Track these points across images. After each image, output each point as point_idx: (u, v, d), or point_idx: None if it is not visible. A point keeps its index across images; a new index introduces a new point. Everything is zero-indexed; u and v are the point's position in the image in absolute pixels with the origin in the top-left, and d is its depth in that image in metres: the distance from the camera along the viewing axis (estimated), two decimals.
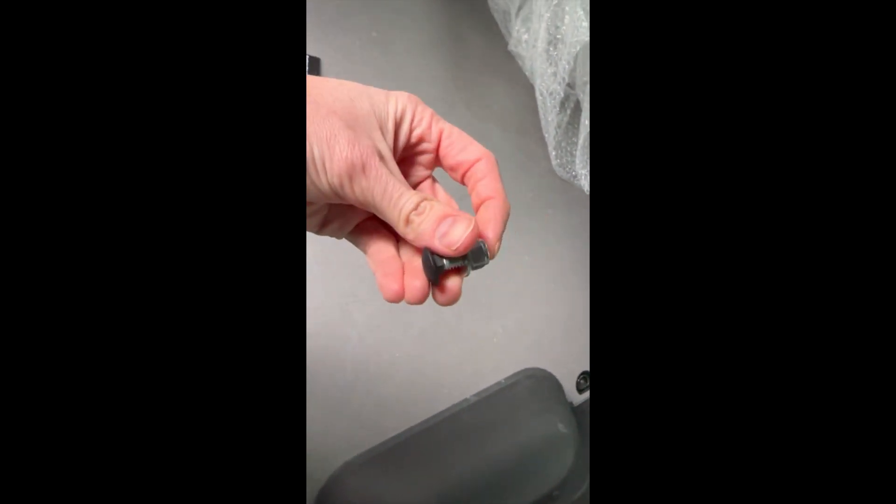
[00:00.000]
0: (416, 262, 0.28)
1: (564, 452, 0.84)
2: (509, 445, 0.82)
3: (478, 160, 0.29)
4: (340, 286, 0.86)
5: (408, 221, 0.26)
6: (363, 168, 0.24)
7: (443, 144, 0.29)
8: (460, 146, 0.29)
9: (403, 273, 0.28)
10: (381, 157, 0.25)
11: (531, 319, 1.03)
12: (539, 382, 0.95)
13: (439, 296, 0.28)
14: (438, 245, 0.26)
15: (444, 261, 0.26)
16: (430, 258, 0.26)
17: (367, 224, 0.30)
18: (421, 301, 0.28)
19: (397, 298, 0.28)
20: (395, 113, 0.27)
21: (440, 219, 0.26)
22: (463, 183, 0.30)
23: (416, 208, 0.26)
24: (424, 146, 0.29)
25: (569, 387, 0.99)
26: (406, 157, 0.30)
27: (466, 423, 0.83)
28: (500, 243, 0.28)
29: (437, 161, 0.30)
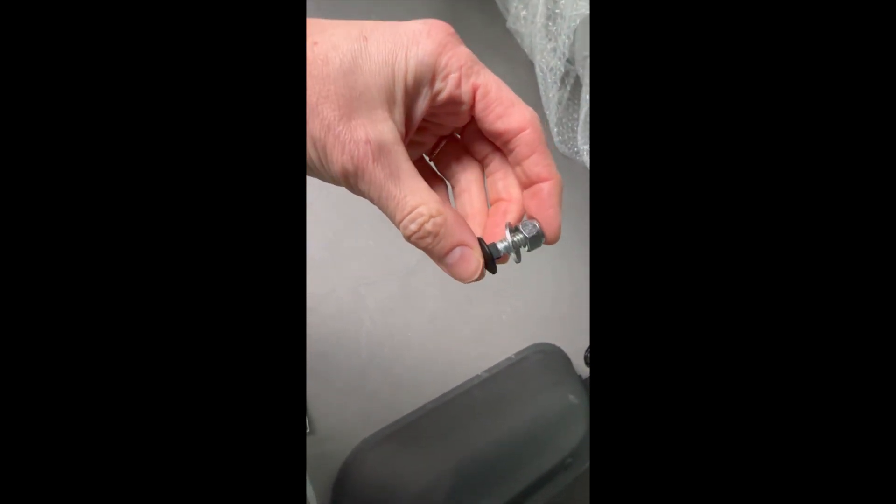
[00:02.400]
0: None
1: (576, 422, 0.86)
2: (522, 417, 0.84)
3: (521, 130, 0.24)
4: (352, 270, 0.87)
5: (410, 235, 0.23)
6: (355, 172, 0.21)
7: (478, 107, 0.24)
8: (500, 110, 0.24)
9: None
10: (383, 152, 0.21)
11: (539, 297, 1.05)
12: (548, 357, 0.97)
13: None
14: (446, 270, 0.24)
15: (501, 247, 0.25)
16: (486, 250, 0.25)
17: None
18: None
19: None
20: (406, 74, 0.22)
21: (452, 247, 0.23)
22: (504, 150, 0.26)
23: (418, 230, 0.23)
24: (457, 108, 0.24)
25: (577, 361, 1.01)
26: (434, 113, 0.25)
27: (479, 398, 0.85)
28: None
29: (472, 121, 0.25)
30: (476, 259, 0.24)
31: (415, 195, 0.22)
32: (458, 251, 0.24)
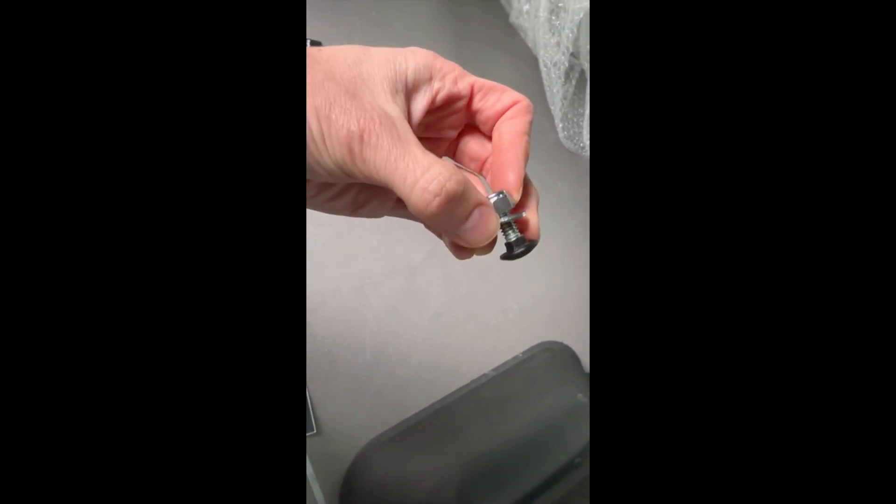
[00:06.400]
0: None
1: (585, 421, 0.85)
2: (530, 417, 0.84)
3: (514, 103, 0.25)
4: (355, 269, 0.87)
5: (431, 198, 0.20)
6: (360, 135, 0.20)
7: (476, 97, 0.25)
8: (496, 95, 0.25)
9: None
10: (389, 121, 0.21)
11: (545, 294, 1.04)
12: (556, 355, 0.96)
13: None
14: (460, 239, 0.23)
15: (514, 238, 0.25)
16: (508, 236, 0.25)
17: None
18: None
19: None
20: (406, 72, 0.23)
21: (473, 208, 0.22)
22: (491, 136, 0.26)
23: (440, 191, 0.20)
24: (457, 105, 0.25)
25: (585, 358, 1.00)
26: (434, 122, 0.26)
27: (486, 398, 0.85)
28: (520, 193, 0.24)
29: (468, 117, 0.27)
30: (494, 215, 0.23)
31: (426, 156, 0.21)
32: (476, 212, 0.22)
